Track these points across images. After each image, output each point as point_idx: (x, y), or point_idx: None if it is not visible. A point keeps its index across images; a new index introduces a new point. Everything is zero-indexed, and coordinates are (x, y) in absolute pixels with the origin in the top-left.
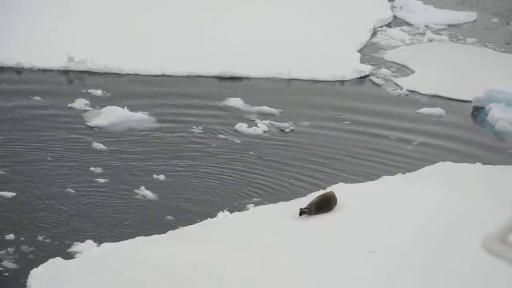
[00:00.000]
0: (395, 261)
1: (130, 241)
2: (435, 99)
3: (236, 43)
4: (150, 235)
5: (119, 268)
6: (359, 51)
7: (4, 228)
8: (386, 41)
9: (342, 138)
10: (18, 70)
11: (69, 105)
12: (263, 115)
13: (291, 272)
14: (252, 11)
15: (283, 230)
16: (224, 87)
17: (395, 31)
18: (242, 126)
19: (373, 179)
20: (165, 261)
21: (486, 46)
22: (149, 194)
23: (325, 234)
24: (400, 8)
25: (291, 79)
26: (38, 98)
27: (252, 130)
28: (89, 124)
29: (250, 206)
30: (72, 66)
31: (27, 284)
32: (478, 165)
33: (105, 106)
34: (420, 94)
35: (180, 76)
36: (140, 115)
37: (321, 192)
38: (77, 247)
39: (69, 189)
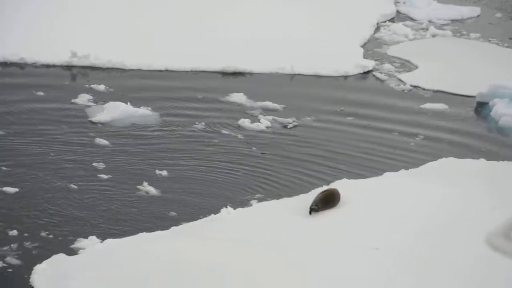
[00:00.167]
0: (398, 257)
1: (133, 237)
2: (438, 94)
3: (240, 37)
4: (153, 231)
5: (122, 264)
6: (362, 46)
7: (7, 224)
8: (390, 36)
9: (345, 133)
10: (22, 65)
11: (72, 100)
12: (266, 111)
13: (294, 268)
14: (255, 8)
15: (286, 226)
16: (227, 82)
17: (398, 26)
18: (245, 122)
19: (377, 174)
20: (168, 257)
21: (489, 41)
22: (152, 190)
23: (328, 230)
24: (404, 3)
25: (294, 74)
26: (41, 93)
27: (255, 126)
28: (92, 119)
29: (254, 202)
30: (75, 61)
31: (30, 280)
32: (482, 160)
33: (108, 102)
34: (424, 89)
35: (183, 71)
36: (143, 111)
37: (324, 188)
38: (80, 243)
39: (72, 185)
